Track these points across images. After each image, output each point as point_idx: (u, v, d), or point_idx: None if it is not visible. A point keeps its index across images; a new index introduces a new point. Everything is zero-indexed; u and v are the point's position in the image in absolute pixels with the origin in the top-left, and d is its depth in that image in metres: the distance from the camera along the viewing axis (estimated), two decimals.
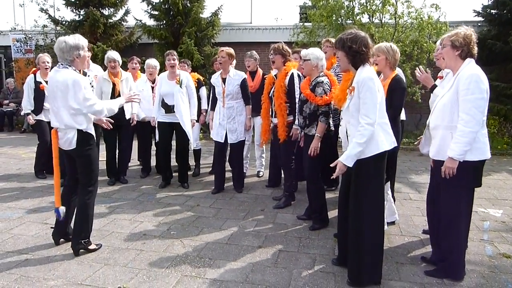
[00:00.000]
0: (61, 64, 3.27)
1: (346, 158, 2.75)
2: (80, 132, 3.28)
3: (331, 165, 2.87)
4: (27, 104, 5.68)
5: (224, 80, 5.02)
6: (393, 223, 4.06)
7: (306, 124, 3.96)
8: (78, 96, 3.19)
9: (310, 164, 3.91)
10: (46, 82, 5.65)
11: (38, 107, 5.68)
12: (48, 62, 5.73)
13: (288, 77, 4.36)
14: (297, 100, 4.26)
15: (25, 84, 5.72)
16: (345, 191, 3.00)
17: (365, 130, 2.68)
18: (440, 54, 3.03)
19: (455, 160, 2.75)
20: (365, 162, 2.76)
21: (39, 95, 5.61)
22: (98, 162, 3.53)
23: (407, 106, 4.29)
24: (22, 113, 5.94)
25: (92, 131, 3.39)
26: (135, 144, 6.16)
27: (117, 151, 5.64)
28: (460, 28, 2.88)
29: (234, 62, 5.74)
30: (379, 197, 2.85)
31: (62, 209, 3.36)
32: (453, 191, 2.89)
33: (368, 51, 2.80)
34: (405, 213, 4.45)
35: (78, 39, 3.26)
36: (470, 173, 2.84)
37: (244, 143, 5.31)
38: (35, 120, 5.71)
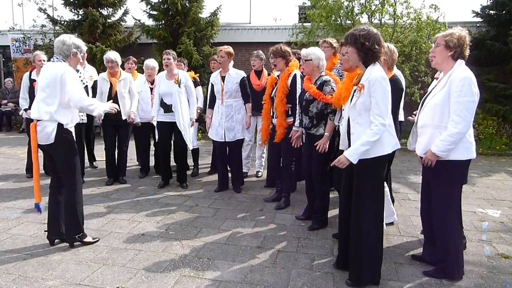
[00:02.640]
0: (56, 57, 3.35)
1: (352, 154, 2.71)
2: (60, 127, 3.29)
3: (331, 164, 2.85)
4: (23, 101, 5.73)
5: (223, 78, 5.01)
6: (391, 223, 4.06)
7: (313, 124, 3.92)
8: (68, 89, 3.24)
9: (317, 164, 3.89)
10: None
11: (31, 106, 5.66)
12: (44, 60, 5.73)
13: (290, 78, 4.35)
14: (297, 101, 4.24)
15: (22, 82, 5.81)
16: (346, 192, 2.99)
17: (378, 129, 2.66)
18: (433, 53, 3.03)
19: (437, 155, 2.81)
20: (366, 163, 2.75)
21: (33, 93, 5.59)
22: (79, 159, 3.53)
23: (406, 106, 4.28)
24: (20, 113, 5.92)
25: (72, 129, 3.41)
26: (132, 144, 6.14)
27: (116, 151, 5.63)
28: (454, 29, 2.88)
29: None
30: (379, 198, 2.84)
31: (43, 204, 3.42)
32: (444, 189, 2.94)
33: (381, 49, 2.75)
34: (404, 213, 4.45)
35: (82, 42, 3.51)
36: (460, 171, 2.93)
37: (242, 142, 5.30)
38: (27, 117, 5.71)
